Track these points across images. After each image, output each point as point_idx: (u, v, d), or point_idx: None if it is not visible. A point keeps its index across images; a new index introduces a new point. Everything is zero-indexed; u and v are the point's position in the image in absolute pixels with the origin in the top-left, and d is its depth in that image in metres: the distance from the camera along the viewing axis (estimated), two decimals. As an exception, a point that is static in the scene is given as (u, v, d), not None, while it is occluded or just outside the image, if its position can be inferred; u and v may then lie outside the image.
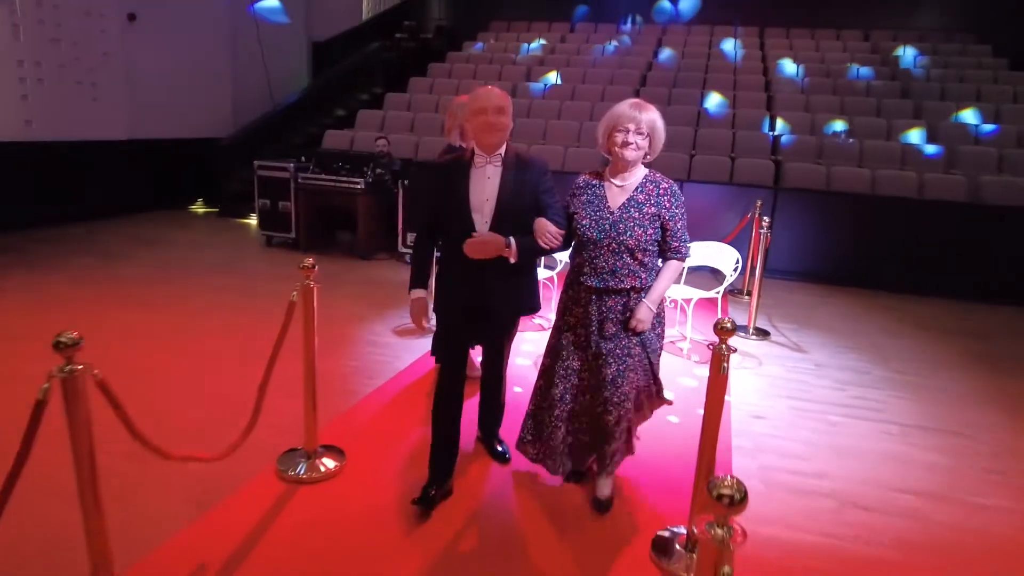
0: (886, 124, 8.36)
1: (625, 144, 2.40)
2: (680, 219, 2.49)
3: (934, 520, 2.77)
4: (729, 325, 2.17)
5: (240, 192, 9.43)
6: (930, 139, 8.13)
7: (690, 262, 4.84)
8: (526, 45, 11.83)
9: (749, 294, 5.64)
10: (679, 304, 4.94)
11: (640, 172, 2.50)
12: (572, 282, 2.59)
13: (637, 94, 9.56)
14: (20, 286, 5.40)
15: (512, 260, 2.42)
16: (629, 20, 12.50)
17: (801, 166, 7.58)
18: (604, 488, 2.70)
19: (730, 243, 5.12)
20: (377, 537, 2.46)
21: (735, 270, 4.64)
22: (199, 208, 9.77)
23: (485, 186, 2.47)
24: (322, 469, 2.86)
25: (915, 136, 8.16)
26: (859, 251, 6.99)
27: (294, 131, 10.36)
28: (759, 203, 6.30)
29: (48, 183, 7.81)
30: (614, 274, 2.45)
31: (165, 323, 4.72)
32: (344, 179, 6.78)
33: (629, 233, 2.41)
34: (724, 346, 2.18)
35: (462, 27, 13.71)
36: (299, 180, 6.93)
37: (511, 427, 2.99)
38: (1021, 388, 4.32)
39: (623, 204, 2.45)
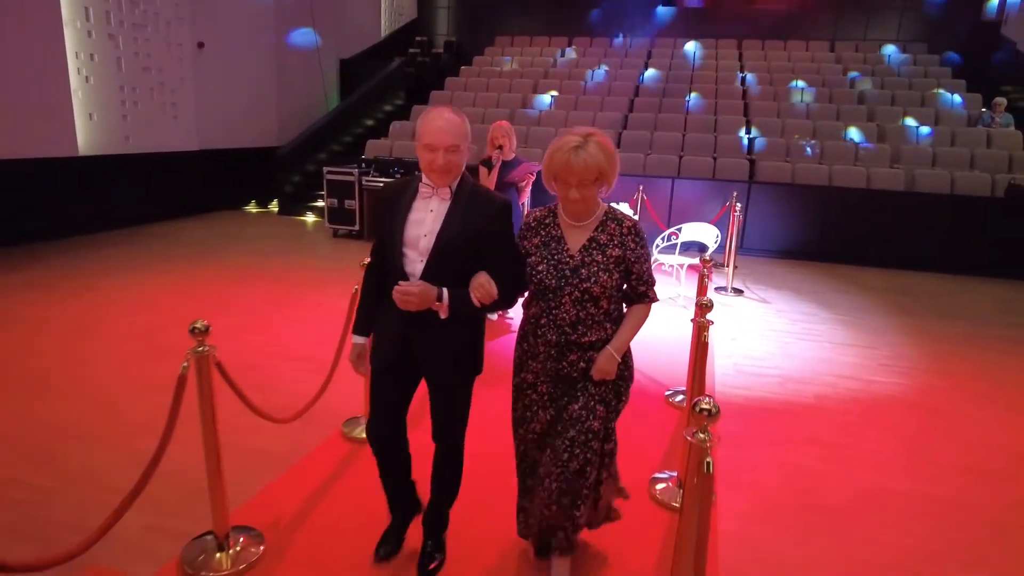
0: (844, 126, 9.98)
1: (567, 199, 2.14)
2: (645, 260, 2.20)
3: (841, 387, 4.39)
4: (708, 257, 3.73)
5: (292, 194, 10.95)
6: (879, 139, 9.77)
7: (682, 238, 6.43)
8: (551, 59, 13.38)
9: (728, 265, 7.23)
10: (676, 269, 6.51)
11: (599, 209, 2.21)
12: (527, 334, 2.28)
13: (632, 104, 11.17)
14: (171, 268, 6.89)
15: (442, 316, 2.11)
16: (621, 36, 14.13)
17: (771, 164, 9.19)
18: (559, 570, 2.30)
19: (714, 224, 6.70)
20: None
21: (715, 242, 6.23)
22: (252, 208, 11.25)
23: (426, 220, 2.14)
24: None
25: (867, 137, 9.79)
26: (818, 232, 8.65)
27: (333, 140, 11.89)
28: (735, 194, 7.87)
29: (140, 189, 9.29)
30: (576, 326, 2.16)
31: (265, 293, 6.23)
32: (401, 181, 8.29)
33: (593, 279, 2.12)
34: (705, 269, 3.74)
35: (469, 42, 15.28)
36: (363, 182, 8.45)
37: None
38: (923, 324, 5.95)
39: (584, 246, 2.17)
